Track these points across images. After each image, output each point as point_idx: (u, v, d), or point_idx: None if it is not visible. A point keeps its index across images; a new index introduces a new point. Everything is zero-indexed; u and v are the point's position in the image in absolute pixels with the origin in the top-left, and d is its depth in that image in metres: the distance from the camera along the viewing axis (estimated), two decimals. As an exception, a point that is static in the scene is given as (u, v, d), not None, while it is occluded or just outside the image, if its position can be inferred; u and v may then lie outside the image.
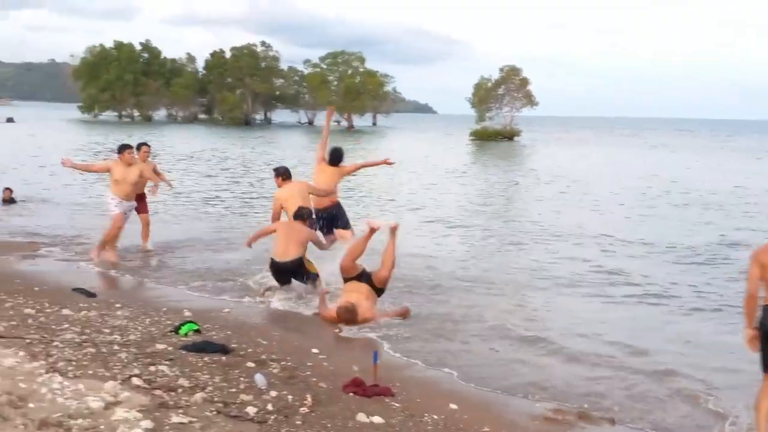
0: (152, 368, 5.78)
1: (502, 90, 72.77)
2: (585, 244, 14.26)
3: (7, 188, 17.37)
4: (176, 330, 7.10)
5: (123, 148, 11.30)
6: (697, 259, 12.98)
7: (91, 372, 5.47)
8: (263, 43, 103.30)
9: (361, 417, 5.16)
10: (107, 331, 6.94)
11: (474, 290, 10.27)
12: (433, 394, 6.08)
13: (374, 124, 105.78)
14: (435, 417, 5.41)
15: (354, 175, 13.11)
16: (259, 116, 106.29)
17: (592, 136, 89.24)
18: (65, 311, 7.65)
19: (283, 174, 10.46)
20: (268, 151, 43.53)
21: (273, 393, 5.44)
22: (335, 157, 11.05)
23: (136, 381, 5.37)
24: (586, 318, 9.11)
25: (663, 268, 12.22)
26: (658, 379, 6.96)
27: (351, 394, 5.67)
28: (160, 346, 6.48)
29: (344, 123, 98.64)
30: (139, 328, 7.20)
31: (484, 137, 68.54)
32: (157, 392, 5.18)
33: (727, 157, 49.49)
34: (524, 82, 72.37)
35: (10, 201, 16.98)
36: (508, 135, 69.42)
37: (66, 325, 7.02)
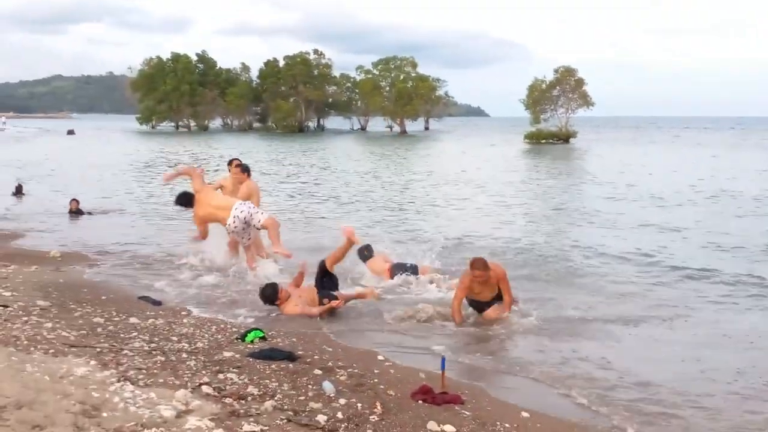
0: (221, 376, 5.80)
1: (557, 91, 71.85)
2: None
3: (74, 199, 17.74)
4: (242, 337, 7.12)
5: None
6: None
7: (161, 380, 5.50)
8: (316, 51, 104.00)
9: (432, 425, 5.08)
10: (175, 339, 7.00)
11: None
12: (504, 402, 5.96)
13: (426, 128, 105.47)
14: (507, 425, 5.29)
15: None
16: (312, 123, 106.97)
17: (640, 134, 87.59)
18: (133, 319, 7.73)
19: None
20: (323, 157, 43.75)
21: (342, 401, 5.40)
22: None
23: (206, 389, 5.39)
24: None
25: None
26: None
27: (420, 401, 5.59)
28: (227, 354, 6.50)
29: (396, 128, 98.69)
30: (206, 335, 7.24)
31: (539, 139, 67.79)
32: (228, 400, 5.18)
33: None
34: (579, 82, 71.28)
35: (77, 212, 17.29)
36: (564, 137, 68.40)
37: (134, 334, 7.10)
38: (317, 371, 6.13)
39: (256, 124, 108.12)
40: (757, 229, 15.82)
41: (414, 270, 10.40)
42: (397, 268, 10.39)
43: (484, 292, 8.70)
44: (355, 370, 6.31)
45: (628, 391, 6.44)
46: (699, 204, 20.67)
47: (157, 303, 8.93)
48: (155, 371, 5.76)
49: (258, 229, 10.70)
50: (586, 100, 71.18)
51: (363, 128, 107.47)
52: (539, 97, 71.62)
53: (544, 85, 72.07)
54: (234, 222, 10.46)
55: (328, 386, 5.65)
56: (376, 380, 6.10)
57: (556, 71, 72.11)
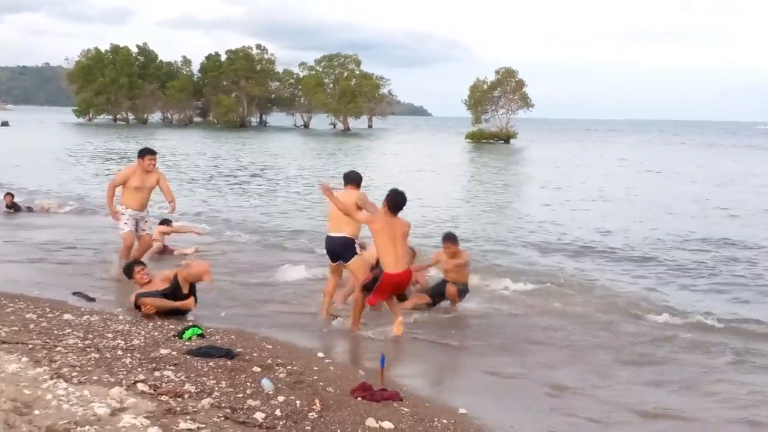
0: (157, 373, 5.72)
1: (498, 92, 72.72)
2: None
3: (9, 193, 16.99)
4: (180, 335, 7.03)
5: (145, 153, 10.43)
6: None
7: (96, 377, 5.41)
8: (258, 46, 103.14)
9: (371, 422, 5.10)
10: (110, 335, 6.88)
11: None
12: (442, 399, 6.02)
13: (370, 126, 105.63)
14: (445, 421, 5.34)
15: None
16: (254, 119, 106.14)
17: (570, 136, 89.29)
18: (67, 316, 7.57)
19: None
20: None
21: (281, 398, 5.38)
22: None
23: (141, 386, 5.31)
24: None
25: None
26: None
27: (359, 398, 5.60)
28: (164, 351, 6.41)
29: (340, 126, 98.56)
30: (142, 332, 7.13)
31: (480, 139, 68.53)
32: (164, 398, 5.12)
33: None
34: (520, 84, 72.27)
35: (12, 206, 16.56)
36: (504, 137, 69.37)
37: (68, 330, 6.95)
38: (256, 368, 6.08)
39: (196, 119, 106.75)
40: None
41: None
42: None
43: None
44: (295, 368, 6.29)
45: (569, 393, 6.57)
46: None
47: (92, 299, 8.76)
48: (89, 368, 5.65)
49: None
50: (526, 102, 72.24)
51: (306, 125, 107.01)
52: (481, 98, 72.43)
53: (485, 86, 72.91)
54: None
55: (266, 383, 5.62)
56: (315, 377, 6.09)
57: (497, 72, 72.98)
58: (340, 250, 8.35)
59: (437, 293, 9.30)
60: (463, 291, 9.30)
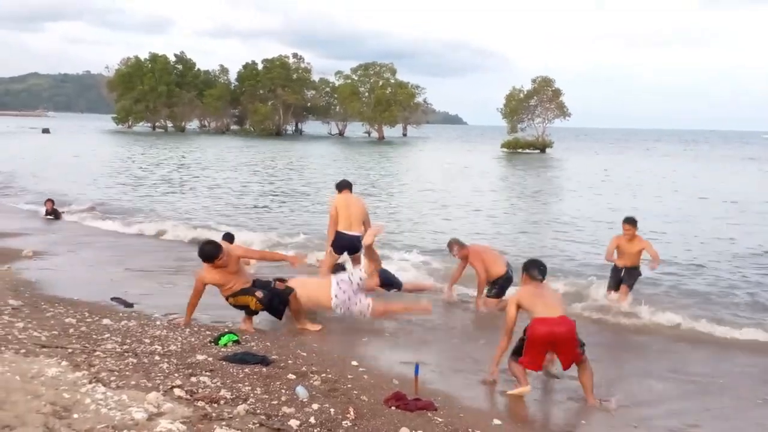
0: (193, 379, 5.77)
1: (534, 101, 72.30)
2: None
3: (49, 200, 17.39)
4: (216, 341, 7.09)
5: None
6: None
7: (133, 382, 5.47)
8: (295, 55, 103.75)
9: (405, 431, 5.09)
10: (147, 341, 6.96)
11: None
12: (476, 409, 5.99)
13: (404, 134, 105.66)
14: (479, 432, 5.32)
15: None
16: (290, 127, 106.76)
17: (611, 146, 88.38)
18: (105, 321, 7.69)
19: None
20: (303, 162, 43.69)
21: (315, 406, 5.39)
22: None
23: (178, 392, 5.36)
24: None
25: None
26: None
27: (393, 407, 5.60)
28: (200, 357, 6.47)
29: (374, 134, 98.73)
30: (179, 338, 7.20)
31: (515, 148, 68.15)
32: (200, 403, 5.16)
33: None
34: (557, 93, 71.72)
35: (53, 213, 16.91)
36: (540, 146, 68.85)
37: (107, 335, 7.05)
38: (291, 376, 6.12)
39: (233, 127, 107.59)
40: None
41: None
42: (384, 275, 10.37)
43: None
44: (329, 376, 6.31)
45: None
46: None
47: (130, 305, 8.87)
48: (127, 373, 5.73)
49: None
50: (562, 111, 71.66)
51: (341, 133, 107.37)
52: (516, 107, 72.00)
53: (521, 95, 72.48)
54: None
55: (301, 391, 5.65)
56: (349, 386, 6.10)
57: (533, 81, 72.55)
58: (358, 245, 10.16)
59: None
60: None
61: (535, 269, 6.74)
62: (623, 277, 10.25)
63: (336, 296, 8.66)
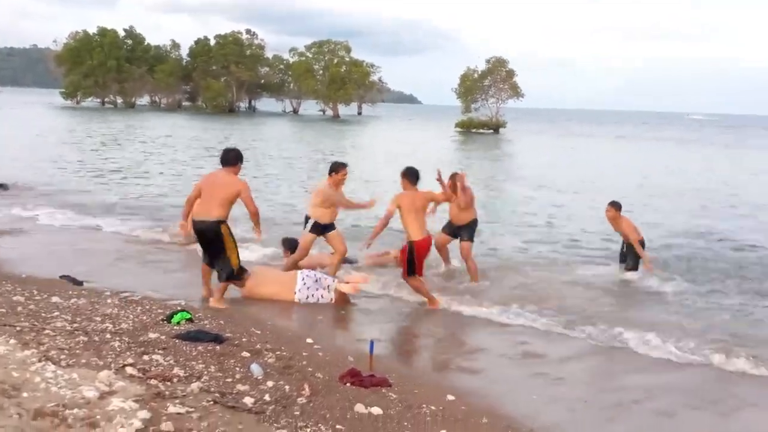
0: (146, 357, 5.71)
1: (488, 81, 72.61)
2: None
3: None
4: (168, 319, 7.01)
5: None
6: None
7: (84, 361, 5.39)
8: (248, 31, 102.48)
9: (360, 408, 5.11)
10: (98, 319, 6.85)
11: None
12: (430, 385, 6.03)
13: (359, 113, 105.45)
14: (433, 408, 5.36)
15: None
16: (243, 104, 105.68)
17: (560, 127, 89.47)
18: (55, 299, 7.54)
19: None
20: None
21: (269, 383, 5.38)
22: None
23: (130, 370, 5.30)
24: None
25: None
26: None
27: (348, 384, 5.62)
28: (152, 335, 6.40)
29: (329, 112, 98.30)
30: (131, 316, 7.11)
31: (469, 128, 68.47)
32: (153, 382, 5.11)
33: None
34: (510, 74, 72.08)
35: None
36: (494, 126, 69.34)
37: (56, 313, 6.92)
38: (245, 353, 6.09)
39: (185, 103, 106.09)
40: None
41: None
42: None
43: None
44: (284, 353, 6.30)
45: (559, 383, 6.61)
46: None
47: (79, 283, 8.73)
48: (78, 351, 5.63)
49: None
50: (516, 91, 72.10)
51: (295, 111, 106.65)
52: (471, 87, 72.26)
53: (476, 75, 72.74)
54: None
55: (255, 368, 5.63)
56: (304, 363, 6.10)
57: (488, 62, 72.84)
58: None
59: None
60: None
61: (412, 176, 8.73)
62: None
63: (299, 290, 8.71)
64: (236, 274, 8.25)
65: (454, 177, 10.03)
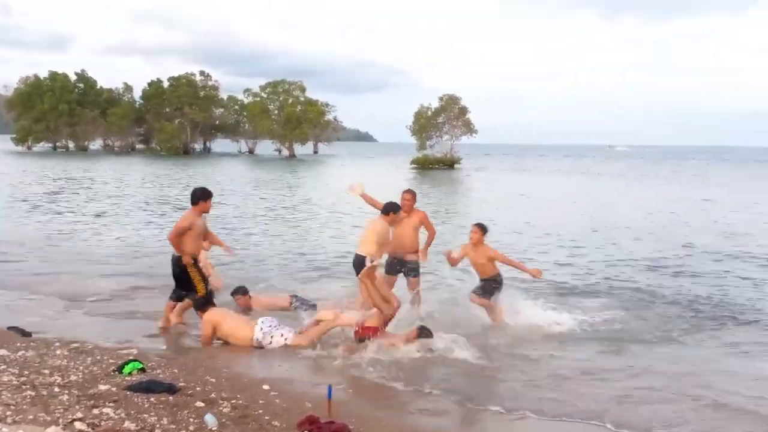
0: (96, 411, 5.50)
1: (442, 118, 73.31)
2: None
3: None
4: (120, 369, 6.80)
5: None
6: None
7: (31, 417, 5.17)
8: (202, 73, 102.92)
9: (318, 456, 4.99)
10: (47, 372, 6.61)
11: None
12: (392, 428, 5.92)
13: (315, 152, 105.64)
14: (393, 454, 5.25)
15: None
16: (198, 145, 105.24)
17: (514, 162, 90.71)
18: (2, 351, 7.28)
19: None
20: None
21: (225, 434, 5.23)
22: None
23: (78, 425, 5.10)
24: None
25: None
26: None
27: (306, 432, 5.49)
28: (103, 387, 6.18)
29: (285, 152, 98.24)
30: (80, 368, 6.88)
31: (425, 165, 68.93)
32: (102, 437, 4.92)
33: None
34: (463, 110, 72.94)
35: None
36: (449, 163, 69.97)
37: (3, 367, 6.67)
38: (199, 403, 5.91)
39: (139, 146, 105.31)
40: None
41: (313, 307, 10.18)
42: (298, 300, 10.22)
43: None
44: (240, 401, 6.13)
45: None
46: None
47: (27, 334, 8.46)
48: (24, 407, 5.41)
49: None
50: (469, 128, 72.89)
51: (251, 151, 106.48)
52: (425, 124, 72.89)
53: (429, 113, 73.42)
54: None
55: (210, 419, 5.46)
56: (260, 411, 5.94)
57: (441, 99, 73.61)
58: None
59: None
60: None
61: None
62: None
63: (261, 329, 8.64)
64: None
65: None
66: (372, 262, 8.63)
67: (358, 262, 8.82)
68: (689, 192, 38.49)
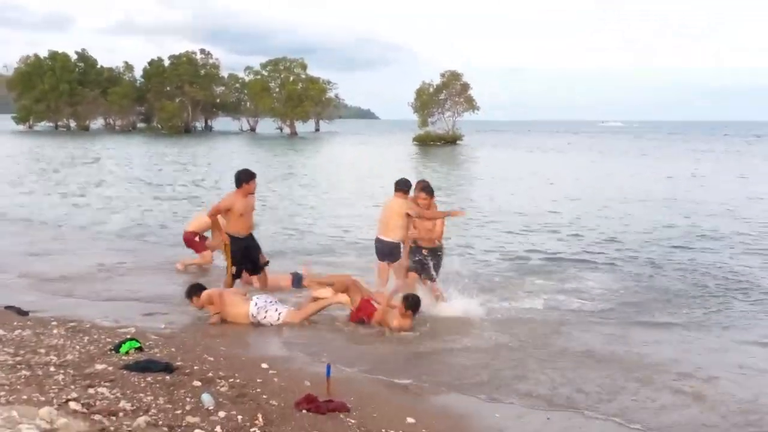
0: (91, 391, 5.43)
1: (444, 95, 73.00)
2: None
3: None
4: (117, 348, 6.73)
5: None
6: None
7: (25, 397, 5.10)
8: (203, 51, 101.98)
9: (316, 436, 4.92)
10: (43, 351, 6.55)
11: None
12: (390, 408, 5.83)
13: (317, 130, 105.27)
14: (393, 432, 5.18)
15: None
16: (199, 124, 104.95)
17: (517, 139, 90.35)
18: (-3, 331, 7.22)
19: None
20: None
21: (221, 413, 5.15)
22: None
23: (73, 405, 5.03)
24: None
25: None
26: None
27: (304, 411, 5.41)
28: (99, 367, 6.11)
29: (286, 130, 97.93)
30: (77, 347, 6.81)
31: (426, 141, 68.76)
32: (97, 417, 4.84)
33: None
34: (465, 87, 72.67)
35: None
36: (451, 139, 69.82)
37: (-2, 347, 6.61)
38: (196, 383, 5.83)
39: (140, 125, 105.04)
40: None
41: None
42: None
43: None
44: (237, 380, 6.06)
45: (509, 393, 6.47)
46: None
47: (24, 313, 8.39)
48: (18, 387, 5.34)
49: None
50: (471, 104, 72.62)
51: (252, 129, 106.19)
52: (427, 101, 72.62)
53: (431, 89, 73.10)
54: None
55: (207, 398, 5.38)
56: (258, 390, 5.87)
57: (442, 75, 73.25)
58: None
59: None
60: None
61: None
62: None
63: (256, 305, 8.60)
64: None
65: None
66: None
67: (389, 249, 8.87)
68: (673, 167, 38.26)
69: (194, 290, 8.85)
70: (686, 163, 41.87)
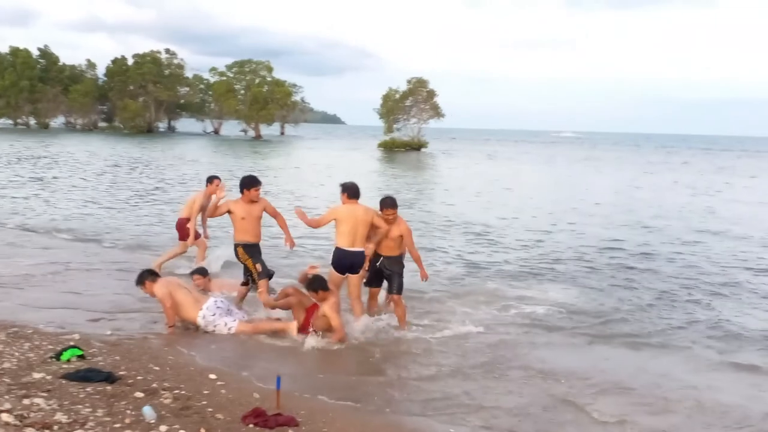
0: (26, 401, 5.18)
1: (410, 101, 72.96)
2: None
3: None
4: (57, 356, 6.45)
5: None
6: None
7: (-47, 409, 4.83)
8: (167, 51, 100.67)
9: (261, 452, 4.70)
10: (-22, 359, 6.25)
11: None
12: (341, 421, 5.64)
13: (282, 133, 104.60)
14: (342, 448, 4.99)
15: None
16: (162, 125, 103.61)
17: (479, 147, 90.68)
18: (-69, 337, 6.89)
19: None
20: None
21: (163, 428, 4.92)
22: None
23: (5, 417, 4.78)
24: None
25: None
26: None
27: (251, 425, 5.20)
28: (37, 375, 5.85)
29: (251, 132, 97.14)
30: (16, 354, 6.53)
31: (391, 147, 68.73)
32: (30, 430, 4.60)
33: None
34: (431, 94, 72.61)
35: None
36: (416, 146, 69.84)
37: (-70, 354, 6.29)
38: (139, 394, 5.59)
39: (101, 124, 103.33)
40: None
41: None
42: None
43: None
44: (183, 392, 5.82)
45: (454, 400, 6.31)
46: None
47: (-35, 318, 8.05)
48: (-52, 398, 5.06)
49: None
50: (437, 111, 72.66)
51: (216, 131, 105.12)
52: (393, 107, 72.49)
53: (397, 96, 73.03)
54: None
55: (148, 411, 5.15)
56: (204, 402, 5.64)
57: (409, 82, 73.23)
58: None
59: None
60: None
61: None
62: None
63: (204, 317, 8.27)
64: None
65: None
66: None
67: (360, 260, 8.70)
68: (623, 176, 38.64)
69: (146, 276, 8.44)
70: (631, 174, 42.42)
